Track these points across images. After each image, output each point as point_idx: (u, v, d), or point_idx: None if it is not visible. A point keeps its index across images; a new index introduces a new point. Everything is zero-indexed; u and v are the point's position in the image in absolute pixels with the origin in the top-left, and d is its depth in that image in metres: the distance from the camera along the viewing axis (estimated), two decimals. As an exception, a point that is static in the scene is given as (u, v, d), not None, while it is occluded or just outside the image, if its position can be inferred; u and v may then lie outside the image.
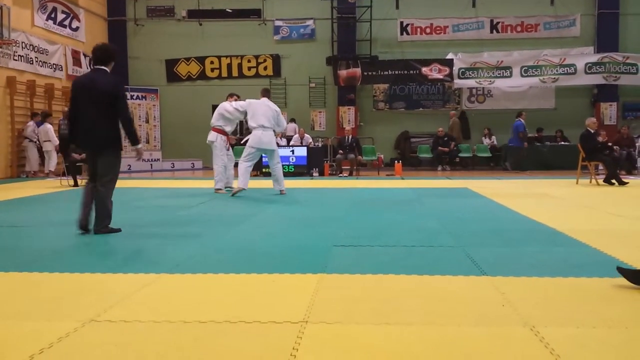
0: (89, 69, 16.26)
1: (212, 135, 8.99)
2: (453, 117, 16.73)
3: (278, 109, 8.74)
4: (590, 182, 10.49)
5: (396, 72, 16.83)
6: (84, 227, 5.24)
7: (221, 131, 9.00)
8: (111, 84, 5.20)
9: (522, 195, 8.63)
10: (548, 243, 4.71)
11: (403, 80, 17.36)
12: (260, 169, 13.49)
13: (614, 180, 9.89)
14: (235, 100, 9.08)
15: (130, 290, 3.29)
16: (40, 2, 14.50)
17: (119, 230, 5.33)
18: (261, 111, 8.44)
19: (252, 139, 8.52)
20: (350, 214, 6.66)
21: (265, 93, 8.87)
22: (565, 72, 16.29)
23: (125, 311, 2.91)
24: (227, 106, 8.93)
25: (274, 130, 8.74)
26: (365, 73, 16.82)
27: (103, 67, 5.31)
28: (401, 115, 17.98)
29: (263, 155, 9.46)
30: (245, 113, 8.67)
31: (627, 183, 9.82)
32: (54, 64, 14.94)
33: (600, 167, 11.04)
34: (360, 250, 4.44)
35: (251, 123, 8.51)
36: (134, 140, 5.37)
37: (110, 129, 5.21)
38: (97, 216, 5.24)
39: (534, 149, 15.35)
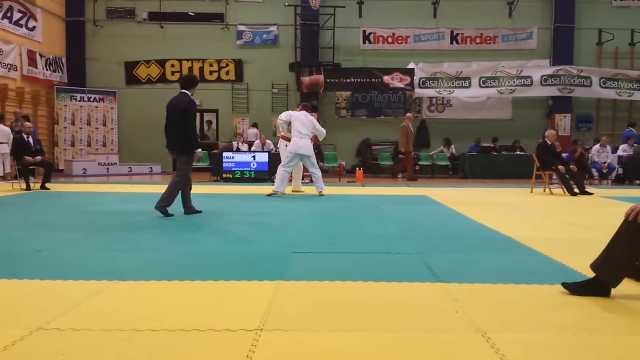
0: (44, 69, 16.04)
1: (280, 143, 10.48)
2: (410, 122, 14.74)
3: (313, 119, 9.84)
4: (544, 191, 10.78)
5: (358, 80, 16.98)
6: (189, 207, 6.89)
7: (286, 138, 10.05)
8: (185, 103, 6.71)
9: (479, 203, 8.79)
10: (502, 250, 4.80)
11: (365, 88, 17.52)
12: (220, 174, 13.39)
13: (576, 190, 10.17)
14: (300, 110, 9.97)
15: (80, 297, 3.20)
16: (-5, 1, 14.08)
17: (172, 215, 6.67)
18: (300, 120, 9.56)
19: (290, 144, 9.61)
20: (311, 220, 6.66)
21: (304, 107, 9.95)
22: (522, 83, 16.76)
23: (75, 319, 2.83)
24: (281, 117, 9.96)
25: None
26: (328, 80, 16.91)
27: (185, 91, 6.83)
28: (363, 122, 18.14)
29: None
30: (289, 122, 9.78)
31: (577, 194, 10.11)
32: (8, 64, 14.51)
33: (554, 176, 11.36)
34: (319, 257, 4.44)
35: (292, 131, 9.63)
36: (193, 145, 6.84)
37: (181, 136, 6.71)
38: (162, 196, 6.71)
39: (489, 158, 15.70)
